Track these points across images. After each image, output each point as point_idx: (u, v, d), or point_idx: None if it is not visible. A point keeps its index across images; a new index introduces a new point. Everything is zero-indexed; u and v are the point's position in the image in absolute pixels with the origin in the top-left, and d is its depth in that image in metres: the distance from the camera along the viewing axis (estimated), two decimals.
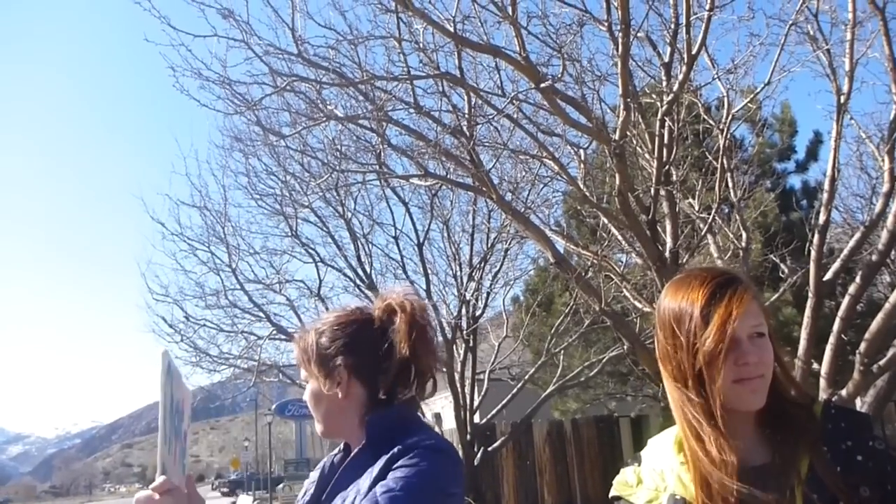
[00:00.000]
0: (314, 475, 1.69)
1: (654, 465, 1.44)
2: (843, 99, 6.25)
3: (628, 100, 4.89)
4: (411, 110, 6.94)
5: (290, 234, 11.72)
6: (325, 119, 7.25)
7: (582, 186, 7.19)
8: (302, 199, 10.95)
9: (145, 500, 1.21)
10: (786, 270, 9.05)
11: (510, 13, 4.85)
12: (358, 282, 11.94)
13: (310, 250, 11.95)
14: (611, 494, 1.48)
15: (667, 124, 5.66)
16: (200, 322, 11.87)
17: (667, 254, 6.10)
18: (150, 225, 11.58)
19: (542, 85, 4.93)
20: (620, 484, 1.47)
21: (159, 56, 6.61)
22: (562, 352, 12.39)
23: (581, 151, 7.58)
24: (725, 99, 6.80)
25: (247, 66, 6.62)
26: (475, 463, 10.96)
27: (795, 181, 15.21)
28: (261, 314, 11.64)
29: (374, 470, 1.44)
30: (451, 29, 5.36)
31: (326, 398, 1.58)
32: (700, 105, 7.79)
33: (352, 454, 1.57)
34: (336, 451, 1.70)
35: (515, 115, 6.98)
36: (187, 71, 6.40)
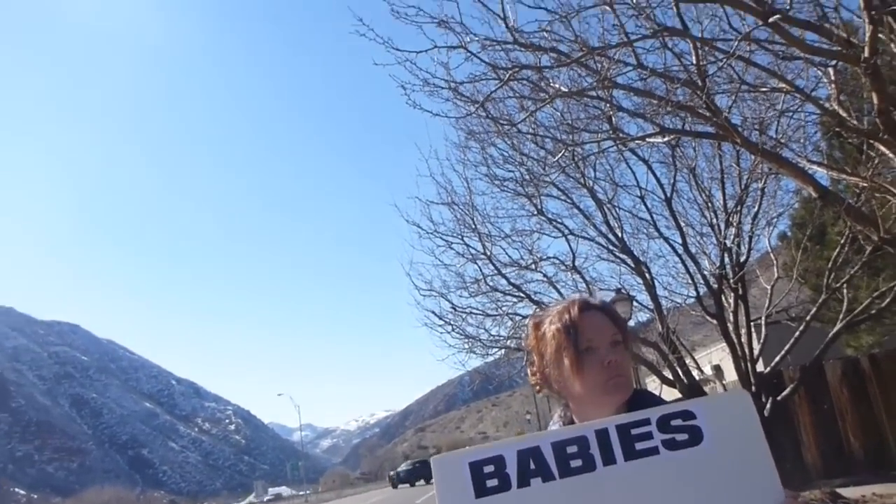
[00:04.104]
0: None
1: None
2: None
3: (873, 12, 4.46)
4: (638, 70, 6.82)
5: (536, 212, 11.94)
6: (551, 98, 7.35)
7: (836, 107, 6.63)
8: (542, 177, 11.13)
9: None
10: None
11: None
12: (610, 248, 11.92)
13: (558, 225, 12.09)
14: None
15: None
16: (467, 310, 12.47)
17: None
18: (406, 227, 12.40)
19: (771, 20, 4.65)
20: None
21: (388, 77, 7.13)
22: (845, 285, 11.45)
23: (829, 70, 6.98)
24: None
25: (469, 66, 6.92)
26: (766, 414, 10.51)
27: None
28: (521, 294, 12.00)
29: None
30: None
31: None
32: None
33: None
34: (560, 421, 1.95)
35: (749, 48, 6.59)
36: (416, 85, 6.82)
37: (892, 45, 6.46)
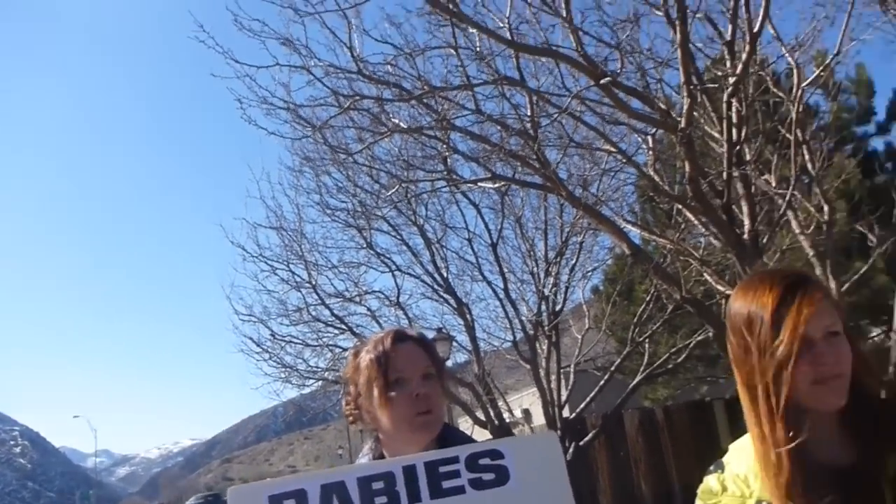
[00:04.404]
0: None
1: (737, 470, 1.43)
2: None
3: (692, 87, 4.82)
4: (476, 115, 6.98)
5: (365, 245, 11.88)
6: (389, 133, 7.36)
7: (651, 173, 7.10)
8: (374, 210, 11.12)
9: None
10: (874, 239, 8.72)
11: (564, 14, 4.85)
12: (435, 287, 12.05)
13: (385, 260, 12.08)
14: None
15: (734, 106, 5.54)
16: (286, 339, 12.15)
17: (745, 236, 5.97)
18: (230, 249, 12.01)
19: (602, 81, 4.91)
20: (704, 492, 1.46)
21: (226, 90, 6.86)
22: (647, 339, 12.21)
23: (648, 138, 7.48)
24: (795, 70, 6.61)
25: (310, 90, 6.80)
26: (568, 458, 10.91)
27: (878, 144, 14.57)
28: (343, 327, 11.83)
29: None
30: (508, 33, 5.39)
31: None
32: (768, 79, 7.57)
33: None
34: (370, 454, 1.87)
35: (579, 108, 6.94)
36: (253, 101, 6.61)
37: (703, 123, 7.04)
